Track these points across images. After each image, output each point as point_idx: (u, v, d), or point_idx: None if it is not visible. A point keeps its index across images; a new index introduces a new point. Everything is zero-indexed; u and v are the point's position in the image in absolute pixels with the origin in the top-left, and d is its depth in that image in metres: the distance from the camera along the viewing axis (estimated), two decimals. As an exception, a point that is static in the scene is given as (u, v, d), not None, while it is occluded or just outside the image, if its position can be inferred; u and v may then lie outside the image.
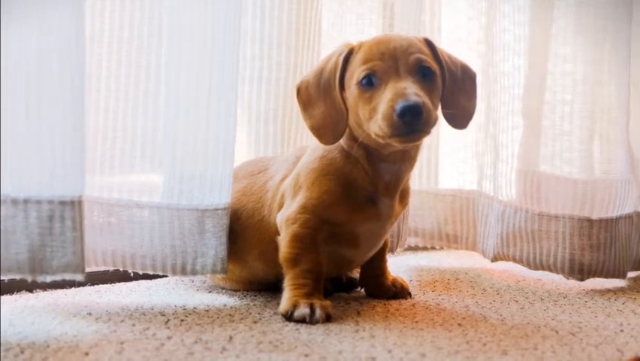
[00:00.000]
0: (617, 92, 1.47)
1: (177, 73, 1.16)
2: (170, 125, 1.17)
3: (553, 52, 1.47)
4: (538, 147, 1.49)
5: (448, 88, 1.14)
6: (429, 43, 1.14)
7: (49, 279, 1.01)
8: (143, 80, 1.19)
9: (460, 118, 1.16)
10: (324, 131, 1.12)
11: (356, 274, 1.34)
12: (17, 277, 1.01)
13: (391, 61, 1.07)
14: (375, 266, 1.27)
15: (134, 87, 1.18)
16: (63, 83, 1.01)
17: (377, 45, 1.09)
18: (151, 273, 1.19)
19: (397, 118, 1.01)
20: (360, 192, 1.13)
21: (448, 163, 1.70)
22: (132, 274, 1.27)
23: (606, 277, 1.43)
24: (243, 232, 1.21)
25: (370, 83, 1.07)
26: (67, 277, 1.01)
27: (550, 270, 1.44)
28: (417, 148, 1.16)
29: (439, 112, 1.12)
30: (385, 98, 1.04)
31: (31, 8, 0.98)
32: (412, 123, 1.01)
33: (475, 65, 1.59)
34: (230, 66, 1.17)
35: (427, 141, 1.61)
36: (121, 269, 1.18)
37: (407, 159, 1.15)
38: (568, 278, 1.43)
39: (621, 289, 1.41)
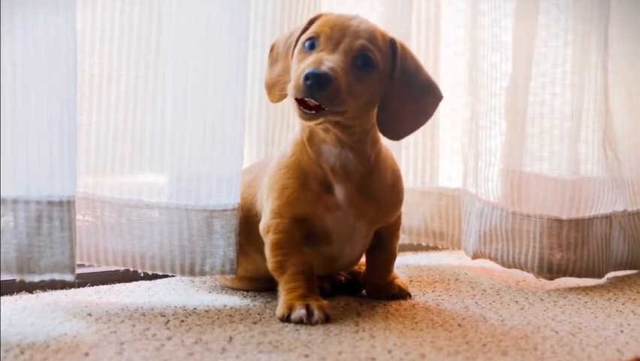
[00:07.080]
0: (595, 93, 1.48)
1: (185, 72, 1.16)
2: (179, 125, 1.17)
3: (536, 53, 1.47)
4: (518, 147, 1.49)
5: (393, 92, 1.11)
6: (392, 44, 1.12)
7: (37, 279, 1.00)
8: (151, 80, 1.19)
9: (393, 126, 1.14)
10: (273, 89, 1.16)
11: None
12: (6, 276, 1.01)
13: (338, 34, 1.07)
14: (378, 274, 1.26)
15: (142, 87, 1.18)
16: (53, 84, 1.01)
17: (336, 17, 1.10)
18: (160, 273, 1.20)
19: (302, 81, 1.02)
20: (312, 179, 1.13)
21: (447, 164, 1.70)
22: (133, 275, 1.27)
23: (579, 276, 1.44)
24: (246, 224, 1.21)
25: (312, 46, 1.08)
26: (57, 276, 1.01)
27: (521, 268, 1.45)
28: (351, 135, 1.12)
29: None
30: (306, 62, 1.05)
31: (24, 10, 0.98)
32: (312, 90, 1.01)
33: (463, 65, 1.60)
34: (237, 65, 1.17)
35: (414, 141, 1.62)
36: (131, 269, 1.19)
37: (346, 146, 1.12)
38: (537, 277, 1.44)
39: (621, 290, 1.41)
